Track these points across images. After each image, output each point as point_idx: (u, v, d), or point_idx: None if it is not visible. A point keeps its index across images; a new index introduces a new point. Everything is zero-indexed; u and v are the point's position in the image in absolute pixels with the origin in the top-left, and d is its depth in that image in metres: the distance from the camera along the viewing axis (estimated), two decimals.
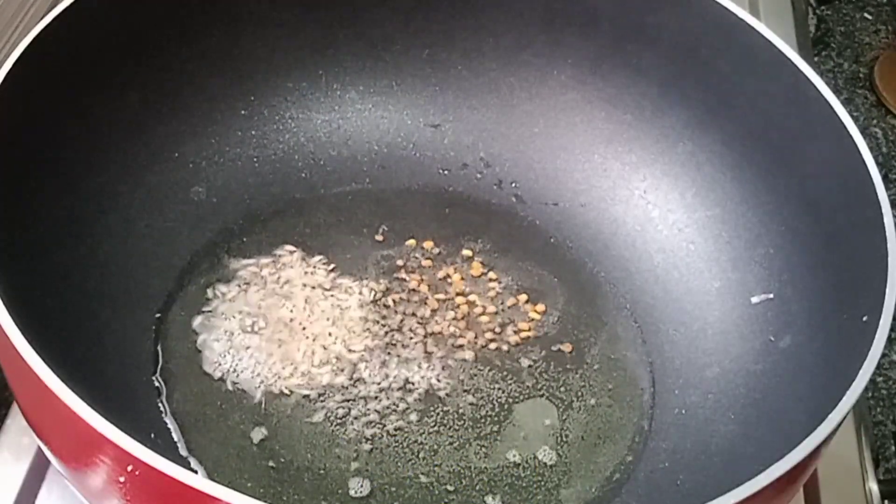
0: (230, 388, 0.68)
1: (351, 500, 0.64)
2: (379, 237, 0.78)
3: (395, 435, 0.67)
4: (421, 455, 0.66)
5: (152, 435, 0.64)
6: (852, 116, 0.66)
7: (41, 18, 0.63)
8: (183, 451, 0.65)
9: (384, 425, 0.68)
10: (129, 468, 0.47)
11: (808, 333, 0.66)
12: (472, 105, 0.83)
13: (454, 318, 0.74)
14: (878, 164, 0.63)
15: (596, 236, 0.79)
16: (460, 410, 0.69)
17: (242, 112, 0.79)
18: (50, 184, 0.65)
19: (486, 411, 0.69)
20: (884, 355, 0.55)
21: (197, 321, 0.71)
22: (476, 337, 0.73)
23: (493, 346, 0.73)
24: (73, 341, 0.62)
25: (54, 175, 0.65)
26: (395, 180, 0.81)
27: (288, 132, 0.81)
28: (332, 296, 0.73)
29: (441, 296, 0.75)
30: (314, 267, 0.75)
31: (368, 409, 0.68)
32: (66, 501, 0.65)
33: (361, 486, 0.64)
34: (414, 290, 0.75)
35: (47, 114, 0.65)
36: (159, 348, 0.69)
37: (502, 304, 0.76)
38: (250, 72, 0.79)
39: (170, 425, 0.66)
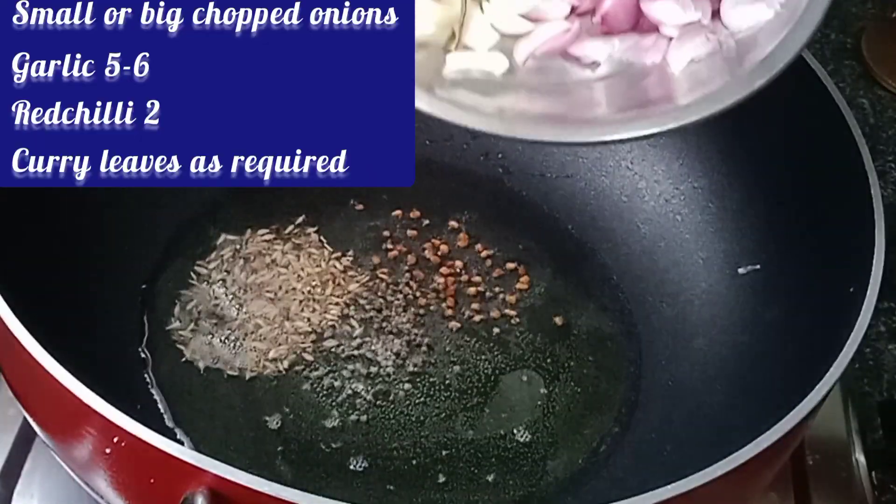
0: (217, 359, 0.68)
1: (344, 470, 0.64)
2: (364, 208, 0.78)
3: (381, 405, 0.67)
4: (407, 426, 0.66)
5: (138, 406, 0.64)
6: (839, 87, 0.66)
7: None
8: (169, 423, 0.64)
9: (371, 396, 0.67)
10: (115, 439, 0.47)
11: (795, 304, 0.66)
12: None
13: (441, 289, 0.74)
14: (865, 134, 0.63)
15: (583, 208, 0.79)
16: (447, 381, 0.69)
17: None
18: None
19: (473, 382, 0.69)
20: (870, 326, 0.55)
21: (183, 292, 0.71)
22: (463, 308, 0.73)
23: (479, 317, 0.73)
24: (58, 313, 0.62)
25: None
26: None
27: None
28: (318, 267, 0.73)
29: (427, 267, 0.75)
30: (300, 238, 0.75)
31: (355, 380, 0.68)
32: (52, 472, 0.65)
33: (358, 462, 0.64)
34: (400, 260, 0.75)
35: None
36: (146, 319, 0.69)
37: (489, 275, 0.75)
38: None
39: (156, 396, 0.65)
